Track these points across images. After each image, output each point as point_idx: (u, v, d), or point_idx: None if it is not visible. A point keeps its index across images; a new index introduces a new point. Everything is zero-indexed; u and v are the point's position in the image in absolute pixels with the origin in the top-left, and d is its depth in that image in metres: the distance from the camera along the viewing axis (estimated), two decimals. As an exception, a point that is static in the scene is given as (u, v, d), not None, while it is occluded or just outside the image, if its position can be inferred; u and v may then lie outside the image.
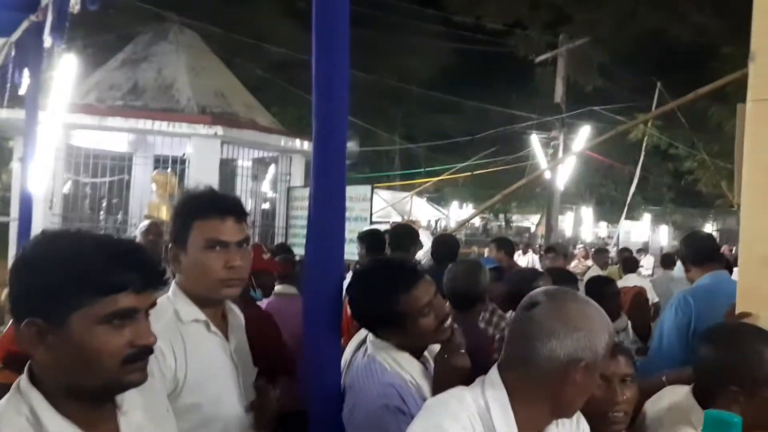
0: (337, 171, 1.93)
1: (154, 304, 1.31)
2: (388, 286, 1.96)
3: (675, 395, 1.97)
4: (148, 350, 1.28)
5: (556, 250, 7.21)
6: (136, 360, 1.25)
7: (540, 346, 1.37)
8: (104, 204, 11.73)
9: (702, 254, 3.70)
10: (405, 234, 4.99)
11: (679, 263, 8.73)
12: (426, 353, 2.06)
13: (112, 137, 9.98)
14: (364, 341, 2.09)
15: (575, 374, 1.36)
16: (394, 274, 1.99)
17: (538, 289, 1.50)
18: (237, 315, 2.08)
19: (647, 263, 15.00)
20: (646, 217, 30.02)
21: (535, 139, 16.04)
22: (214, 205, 1.92)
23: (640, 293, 4.01)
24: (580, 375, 1.36)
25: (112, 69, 10.42)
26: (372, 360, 1.96)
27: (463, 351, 1.98)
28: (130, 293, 1.23)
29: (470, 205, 28.99)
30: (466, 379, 1.91)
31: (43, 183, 7.84)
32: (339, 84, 1.91)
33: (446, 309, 2.04)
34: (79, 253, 1.22)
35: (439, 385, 1.94)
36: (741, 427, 1.03)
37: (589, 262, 9.76)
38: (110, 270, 1.22)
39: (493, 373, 1.46)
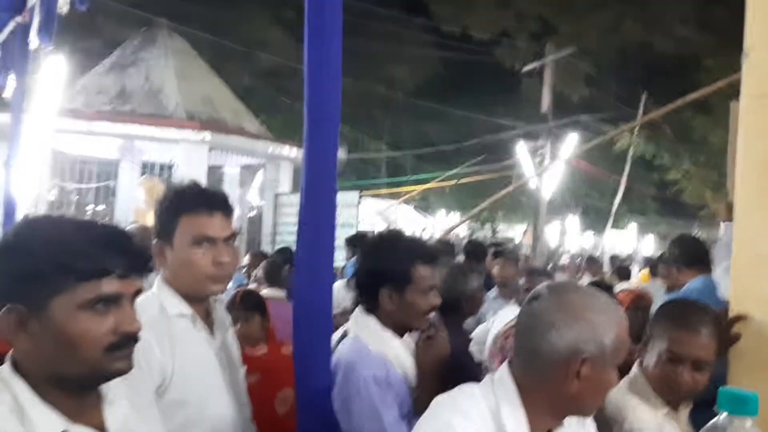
0: (328, 176, 1.91)
1: (139, 291, 1.27)
2: (413, 251, 2.05)
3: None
4: (133, 338, 1.23)
5: (505, 254, 5.83)
6: (121, 348, 1.21)
7: (540, 338, 1.35)
8: (90, 211, 11.60)
9: (693, 257, 3.71)
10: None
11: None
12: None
13: (99, 143, 9.90)
14: (343, 336, 2.13)
15: (579, 368, 1.32)
16: (422, 245, 2.11)
17: (543, 284, 1.48)
18: (222, 312, 2.05)
19: (634, 272, 15.10)
20: (631, 227, 30.20)
21: (521, 148, 16.09)
22: (202, 199, 1.89)
23: (640, 297, 3.95)
24: (586, 369, 1.32)
25: (99, 74, 10.36)
26: (356, 339, 2.02)
27: (444, 335, 2.10)
28: (113, 278, 1.19)
29: (456, 214, 29.00)
30: (446, 363, 2.08)
31: (29, 189, 7.74)
32: (331, 89, 1.89)
33: (437, 302, 2.12)
34: (61, 238, 1.19)
35: (422, 370, 2.03)
36: (757, 403, 1.02)
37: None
38: (93, 254, 1.18)
39: (503, 369, 1.43)
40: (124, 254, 1.21)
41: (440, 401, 1.42)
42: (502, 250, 5.58)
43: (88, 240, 1.19)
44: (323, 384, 1.96)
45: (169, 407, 1.71)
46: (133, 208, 9.76)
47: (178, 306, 1.86)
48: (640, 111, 14.26)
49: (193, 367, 1.80)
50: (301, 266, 1.97)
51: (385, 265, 2.05)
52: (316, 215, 1.92)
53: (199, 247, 1.84)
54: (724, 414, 1.04)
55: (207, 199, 1.90)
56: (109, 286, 1.19)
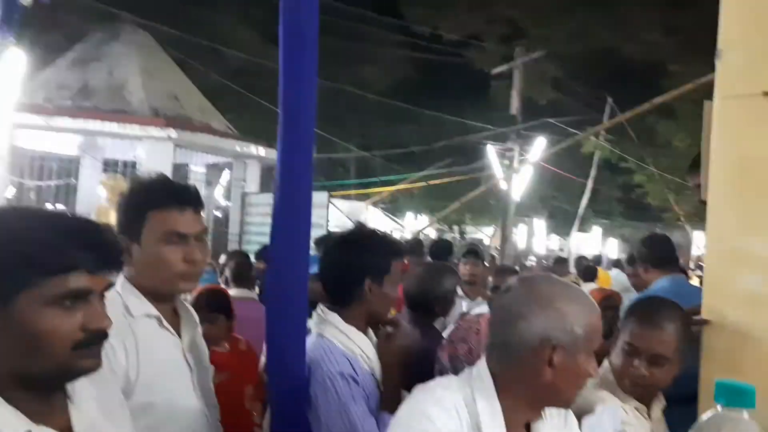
0: (303, 175, 1.88)
1: (109, 286, 1.22)
2: (389, 243, 2.14)
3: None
4: (103, 335, 1.18)
5: (477, 254, 5.62)
6: (89, 345, 1.16)
7: (512, 330, 1.37)
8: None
9: (662, 256, 3.74)
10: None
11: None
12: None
13: (60, 139, 9.65)
14: None
15: (550, 356, 1.34)
16: (394, 239, 2.22)
17: (515, 276, 1.54)
18: (189, 310, 1.97)
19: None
20: (596, 230, 30.64)
21: (491, 150, 16.19)
22: (172, 194, 1.81)
23: (610, 296, 3.98)
24: (558, 357, 1.34)
25: (61, 68, 10.10)
26: (320, 337, 2.02)
27: (406, 329, 2.19)
28: (82, 273, 1.14)
29: (425, 217, 29.08)
30: (411, 360, 2.12)
31: (-15, 185, 7.49)
32: (306, 89, 1.88)
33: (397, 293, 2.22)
34: (27, 229, 1.13)
35: (385, 365, 2.05)
36: (754, 395, 1.00)
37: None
38: (61, 247, 1.12)
39: (481, 362, 1.45)
40: (94, 248, 1.16)
41: (416, 393, 1.43)
42: (473, 249, 5.57)
43: (56, 232, 1.14)
44: (297, 384, 1.93)
45: (135, 412, 1.62)
46: (95, 206, 9.51)
47: (142, 306, 1.77)
48: (606, 116, 14.48)
49: (159, 371, 1.73)
50: (275, 266, 1.93)
51: (371, 256, 2.07)
52: (291, 216, 1.89)
53: (169, 245, 1.77)
54: (720, 406, 1.02)
55: (177, 193, 1.82)
56: (78, 281, 1.13)
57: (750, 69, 2.10)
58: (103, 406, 1.29)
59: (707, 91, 2.29)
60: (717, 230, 2.14)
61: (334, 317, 2.05)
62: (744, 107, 2.10)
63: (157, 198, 1.80)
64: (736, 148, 2.12)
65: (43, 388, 1.17)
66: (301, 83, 1.88)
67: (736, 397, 0.99)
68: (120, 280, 1.82)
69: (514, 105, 16.41)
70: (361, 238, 2.15)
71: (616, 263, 9.89)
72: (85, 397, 1.24)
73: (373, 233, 2.19)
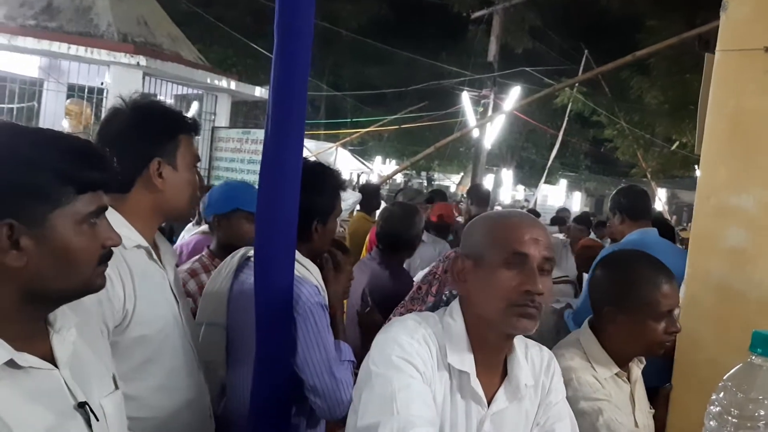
0: (297, 110, 1.82)
1: (106, 207, 1.22)
2: (335, 180, 2.16)
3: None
4: (111, 253, 1.23)
5: (446, 197, 6.83)
6: (105, 262, 1.20)
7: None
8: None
9: (638, 209, 3.81)
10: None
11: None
12: None
13: (22, 60, 9.20)
14: (243, 257, 2.15)
15: (461, 269, 1.45)
16: (335, 176, 2.18)
17: None
18: (167, 242, 1.97)
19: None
20: (562, 182, 31.04)
21: (465, 97, 16.03)
22: (189, 120, 1.85)
23: (589, 246, 4.03)
24: (469, 273, 1.43)
25: (23, -15, 9.52)
26: None
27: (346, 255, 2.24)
28: (100, 191, 1.18)
29: (393, 161, 29.02)
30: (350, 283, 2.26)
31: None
32: (304, 19, 1.78)
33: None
34: (52, 148, 1.12)
35: (331, 294, 2.13)
36: None
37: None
38: (87, 166, 1.15)
39: (455, 301, 1.52)
40: (103, 168, 1.19)
41: (392, 322, 1.49)
42: (440, 193, 5.92)
43: (76, 151, 1.15)
44: (284, 322, 1.91)
45: (129, 345, 1.64)
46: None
47: (134, 237, 1.73)
48: (581, 68, 14.42)
49: (152, 302, 1.72)
50: (264, 205, 1.88)
51: (318, 199, 2.09)
52: (283, 151, 1.82)
53: (193, 169, 1.83)
54: (755, 356, 1.03)
55: (191, 120, 1.86)
56: (101, 199, 1.17)
57: (753, 23, 2.08)
58: (84, 333, 1.28)
59: (684, 49, 2.27)
60: (708, 183, 2.16)
61: (296, 253, 2.03)
62: (744, 61, 2.09)
63: (184, 122, 1.82)
64: (733, 102, 2.11)
65: (50, 307, 1.19)
66: (297, 15, 1.79)
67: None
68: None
69: (492, 52, 16.21)
70: (305, 181, 2.06)
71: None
72: (66, 324, 1.23)
73: (317, 173, 2.12)
